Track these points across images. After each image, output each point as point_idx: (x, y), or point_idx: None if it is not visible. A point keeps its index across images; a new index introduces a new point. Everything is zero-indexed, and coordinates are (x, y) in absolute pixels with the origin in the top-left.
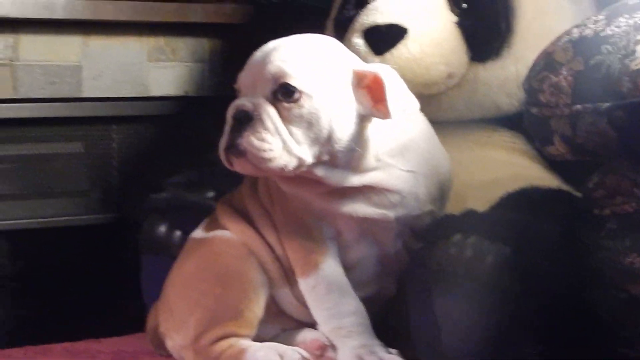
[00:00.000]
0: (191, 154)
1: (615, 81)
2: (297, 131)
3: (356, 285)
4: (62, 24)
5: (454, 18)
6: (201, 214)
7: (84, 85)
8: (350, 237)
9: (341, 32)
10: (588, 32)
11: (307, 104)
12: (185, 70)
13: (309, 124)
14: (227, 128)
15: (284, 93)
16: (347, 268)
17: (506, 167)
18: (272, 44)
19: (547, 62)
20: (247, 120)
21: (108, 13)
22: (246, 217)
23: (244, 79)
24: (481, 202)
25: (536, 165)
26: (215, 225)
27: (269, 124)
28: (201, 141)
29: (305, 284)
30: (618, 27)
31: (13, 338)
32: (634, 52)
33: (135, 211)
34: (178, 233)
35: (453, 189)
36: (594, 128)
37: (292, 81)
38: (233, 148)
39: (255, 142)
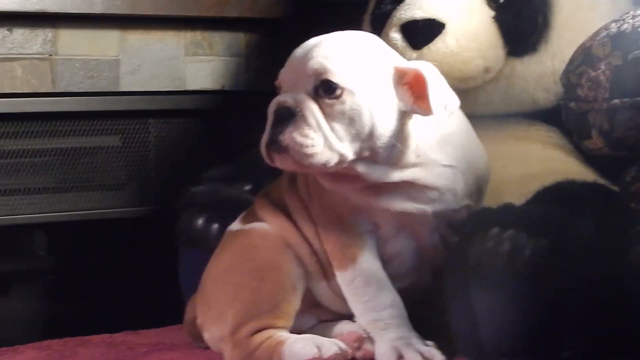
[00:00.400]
0: (228, 147)
1: None
2: (339, 127)
3: (393, 277)
4: (100, 19)
5: (491, 13)
6: (238, 207)
7: (121, 80)
8: (388, 231)
9: (378, 27)
10: (626, 27)
11: (349, 100)
12: (222, 64)
13: (351, 120)
14: (269, 124)
15: (325, 89)
16: (385, 261)
17: (542, 161)
18: (313, 41)
19: (585, 57)
20: (289, 116)
21: (146, 8)
22: (284, 211)
23: (285, 75)
24: (517, 196)
25: (572, 160)
26: (252, 217)
27: (311, 120)
28: (238, 135)
29: (343, 277)
30: None
31: (52, 330)
32: None
33: (173, 204)
34: (215, 226)
35: (490, 183)
36: (631, 123)
37: (334, 77)
38: (275, 144)
39: (298, 138)
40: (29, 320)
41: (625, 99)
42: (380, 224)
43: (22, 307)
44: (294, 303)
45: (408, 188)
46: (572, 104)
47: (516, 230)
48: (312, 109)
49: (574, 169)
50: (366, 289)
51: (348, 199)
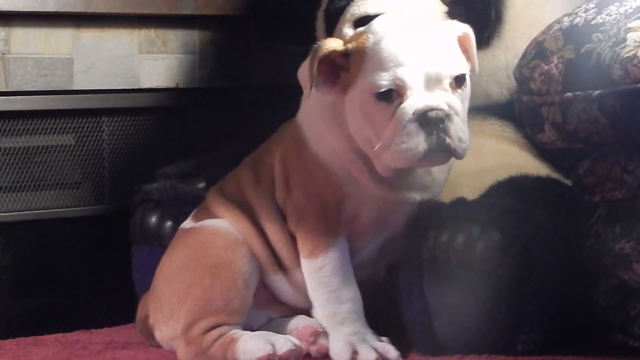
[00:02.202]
0: (182, 145)
1: (606, 69)
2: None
3: (355, 268)
4: (53, 17)
5: (444, 8)
6: (192, 204)
7: (75, 78)
8: (366, 222)
9: (332, 23)
10: (579, 20)
11: (468, 85)
12: (176, 62)
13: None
14: (415, 130)
15: (458, 82)
16: (353, 252)
17: (496, 156)
18: (415, 35)
19: (538, 51)
20: (446, 118)
21: (99, 5)
22: (240, 206)
23: (413, 76)
24: (471, 191)
25: (526, 154)
26: (204, 214)
27: (462, 116)
28: (192, 132)
29: (311, 265)
30: (609, 15)
31: (5, 330)
32: (624, 39)
33: (127, 202)
34: (169, 223)
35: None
36: (584, 115)
37: (463, 70)
38: (443, 147)
39: (462, 136)
40: None
41: (578, 92)
42: (363, 213)
43: None
44: (247, 299)
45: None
46: (525, 98)
47: (469, 224)
48: (459, 105)
49: (527, 163)
50: (332, 279)
51: (354, 188)
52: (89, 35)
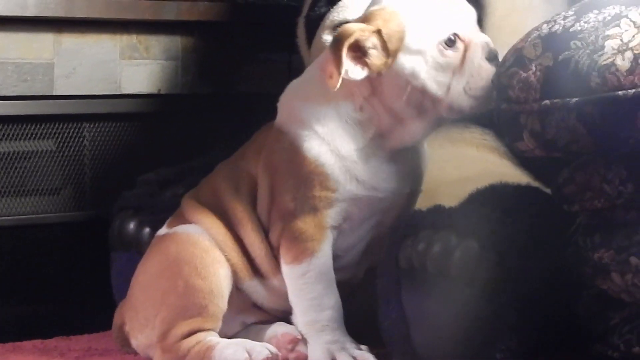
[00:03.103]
0: (164, 151)
1: (584, 76)
2: None
3: (336, 270)
4: (34, 22)
5: None
6: (171, 211)
7: (56, 83)
8: (356, 222)
9: (312, 29)
10: (557, 27)
11: None
12: (158, 68)
13: None
14: (488, 67)
15: None
16: (335, 255)
17: (476, 164)
18: None
19: (516, 58)
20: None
21: (80, 10)
22: (214, 211)
23: (466, 22)
24: (451, 199)
25: (506, 162)
26: (178, 220)
27: None
28: (174, 139)
29: (294, 271)
30: (587, 22)
31: None
32: (602, 47)
33: (107, 208)
34: (147, 230)
35: (425, 185)
36: (563, 123)
37: None
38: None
39: None
40: None
41: (556, 100)
42: (354, 213)
43: None
44: (221, 304)
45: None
46: (503, 106)
47: (446, 232)
48: None
49: (508, 172)
50: (315, 286)
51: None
52: (71, 40)
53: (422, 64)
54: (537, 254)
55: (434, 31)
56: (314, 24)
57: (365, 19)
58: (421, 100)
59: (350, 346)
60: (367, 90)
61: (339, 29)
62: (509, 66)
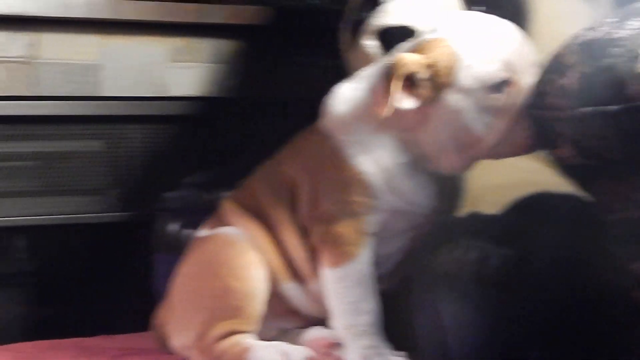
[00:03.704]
0: (210, 154)
1: (621, 84)
2: None
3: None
4: (82, 23)
5: None
6: (213, 213)
7: (103, 85)
8: (392, 231)
9: (353, 34)
10: (598, 34)
11: None
12: (205, 71)
13: None
14: None
15: None
16: (374, 263)
17: (518, 172)
18: (507, 26)
19: (554, 65)
20: None
21: (126, 12)
22: (253, 213)
23: (521, 60)
24: (493, 206)
25: (549, 170)
26: (218, 222)
27: None
28: (220, 141)
29: (333, 274)
30: (628, 29)
31: (27, 334)
32: None
33: (151, 210)
34: (188, 232)
35: (468, 192)
36: (599, 132)
37: None
38: None
39: None
40: (5, 322)
41: (593, 108)
42: (393, 224)
43: None
44: (258, 306)
45: None
46: (540, 113)
47: (483, 239)
48: None
49: (550, 180)
50: (354, 290)
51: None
52: (117, 42)
53: (467, 103)
54: (574, 262)
55: (485, 72)
56: (356, 29)
57: (420, 48)
58: (464, 138)
59: (388, 352)
60: (416, 117)
61: (395, 59)
62: (547, 73)
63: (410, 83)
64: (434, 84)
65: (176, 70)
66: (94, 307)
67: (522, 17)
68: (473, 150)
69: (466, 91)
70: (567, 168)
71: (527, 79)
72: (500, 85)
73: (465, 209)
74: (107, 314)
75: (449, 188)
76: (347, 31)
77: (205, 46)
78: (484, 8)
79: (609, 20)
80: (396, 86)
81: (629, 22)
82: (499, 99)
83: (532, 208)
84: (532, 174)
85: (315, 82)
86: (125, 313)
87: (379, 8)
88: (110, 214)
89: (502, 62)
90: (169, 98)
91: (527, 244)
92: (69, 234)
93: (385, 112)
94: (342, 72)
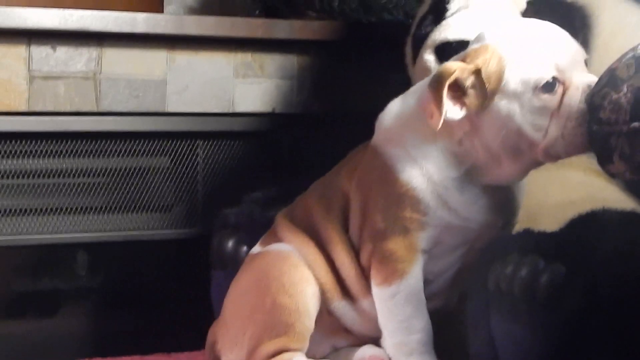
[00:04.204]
0: (277, 170)
1: None
2: None
3: (429, 297)
4: (145, 38)
5: None
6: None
7: (168, 100)
8: (446, 248)
9: (417, 48)
10: None
11: None
12: (272, 86)
13: None
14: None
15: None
16: (427, 280)
17: (581, 188)
18: (554, 28)
19: (609, 78)
20: None
21: (191, 28)
22: (306, 230)
23: (567, 60)
24: (552, 223)
25: (613, 187)
26: (271, 239)
27: None
28: (287, 157)
29: (384, 292)
30: None
31: (88, 349)
32: None
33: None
34: (245, 248)
35: (527, 208)
36: None
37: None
38: None
39: None
40: (66, 339)
41: None
42: (445, 240)
43: (59, 326)
44: (308, 323)
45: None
46: (594, 127)
47: (534, 256)
48: None
49: (613, 197)
50: (405, 308)
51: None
52: (183, 58)
53: (519, 107)
54: (629, 282)
55: (533, 74)
56: (419, 43)
57: (466, 56)
58: (517, 143)
59: None
60: (466, 127)
61: (440, 68)
62: (602, 86)
63: (459, 92)
64: (482, 91)
65: (243, 86)
66: (155, 324)
67: (586, 30)
68: (528, 155)
69: (516, 95)
70: (628, 184)
71: (577, 77)
72: (550, 86)
73: (522, 226)
74: (169, 332)
75: (503, 202)
76: (411, 45)
77: (272, 61)
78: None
79: None
80: (443, 95)
81: None
82: (550, 99)
83: (589, 225)
84: (594, 191)
85: (387, 96)
86: (187, 330)
87: (442, 22)
88: (176, 230)
89: (550, 62)
90: (236, 114)
91: (581, 260)
92: (134, 250)
93: (435, 123)
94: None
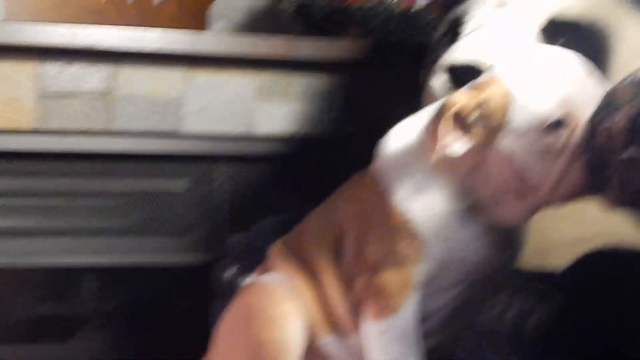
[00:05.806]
0: (299, 194)
1: None
2: None
3: (427, 334)
4: (162, 56)
5: None
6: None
7: (185, 121)
8: (445, 284)
9: (428, 71)
10: None
11: None
12: (296, 107)
13: None
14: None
15: None
16: (424, 317)
17: (597, 223)
18: (565, 59)
19: (606, 103)
20: None
21: (210, 46)
22: (298, 259)
23: (580, 99)
24: (560, 260)
25: (630, 223)
26: (264, 268)
27: None
28: (312, 181)
29: (375, 327)
30: None
31: None
32: None
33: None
34: (243, 278)
35: (536, 244)
36: None
37: None
38: None
39: None
40: None
41: None
42: (444, 274)
43: (70, 351)
44: (294, 355)
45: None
46: (589, 154)
47: (525, 294)
48: None
49: (630, 232)
50: (396, 345)
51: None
52: (202, 76)
53: (522, 145)
54: (628, 326)
55: (540, 112)
56: (431, 66)
57: (475, 87)
58: (520, 184)
59: None
60: (469, 161)
61: (444, 99)
62: (598, 111)
63: (463, 125)
64: (486, 126)
65: (264, 106)
66: (169, 350)
67: (604, 53)
68: (531, 198)
69: (520, 133)
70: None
71: (589, 115)
72: (556, 126)
73: (530, 263)
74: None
75: (506, 238)
76: (428, 66)
77: (295, 82)
78: (562, 42)
79: None
80: (444, 128)
81: None
82: (556, 140)
83: (595, 264)
84: (609, 227)
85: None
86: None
87: (455, 44)
88: (191, 254)
89: (560, 99)
90: (256, 137)
91: (573, 302)
92: (147, 275)
93: (435, 156)
94: None
